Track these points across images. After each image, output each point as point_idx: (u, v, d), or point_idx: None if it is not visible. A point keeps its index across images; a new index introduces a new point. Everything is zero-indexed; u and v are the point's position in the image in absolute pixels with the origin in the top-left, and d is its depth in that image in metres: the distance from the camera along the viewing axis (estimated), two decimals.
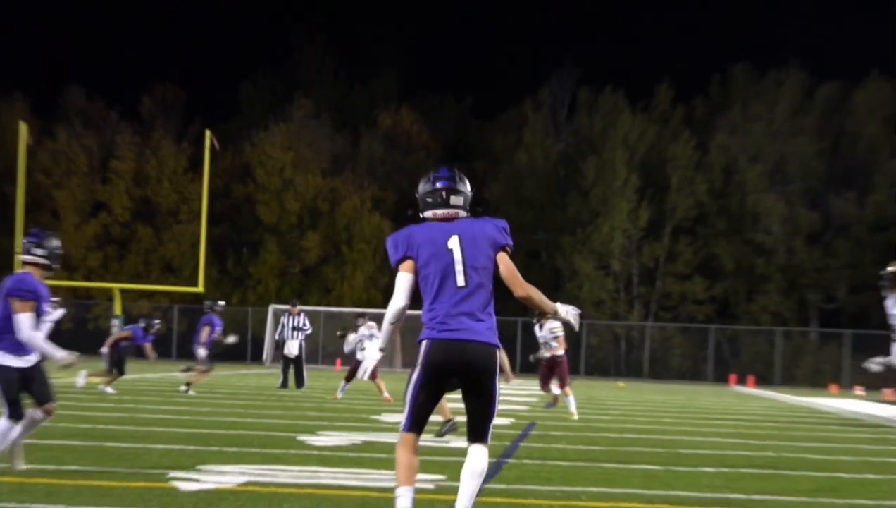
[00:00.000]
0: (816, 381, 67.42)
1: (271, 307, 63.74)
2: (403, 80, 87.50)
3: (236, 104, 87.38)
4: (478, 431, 9.46)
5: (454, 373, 9.34)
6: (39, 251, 13.59)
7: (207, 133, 65.02)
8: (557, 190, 79.01)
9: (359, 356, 34.60)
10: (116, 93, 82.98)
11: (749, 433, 25.73)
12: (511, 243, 9.77)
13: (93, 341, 36.07)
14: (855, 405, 44.18)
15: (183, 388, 32.57)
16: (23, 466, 13.12)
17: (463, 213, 9.76)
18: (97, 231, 76.23)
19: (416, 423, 9.41)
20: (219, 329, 32.96)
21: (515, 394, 38.36)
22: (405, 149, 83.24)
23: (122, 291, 68.21)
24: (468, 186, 9.86)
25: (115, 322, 62.28)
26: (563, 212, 77.76)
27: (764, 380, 67.33)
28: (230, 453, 16.48)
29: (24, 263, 13.53)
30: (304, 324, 37.74)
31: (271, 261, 77.05)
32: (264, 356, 64.33)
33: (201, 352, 32.81)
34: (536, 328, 29.62)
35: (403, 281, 9.55)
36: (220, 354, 69.72)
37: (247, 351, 68.87)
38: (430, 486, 13.31)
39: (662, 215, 78.44)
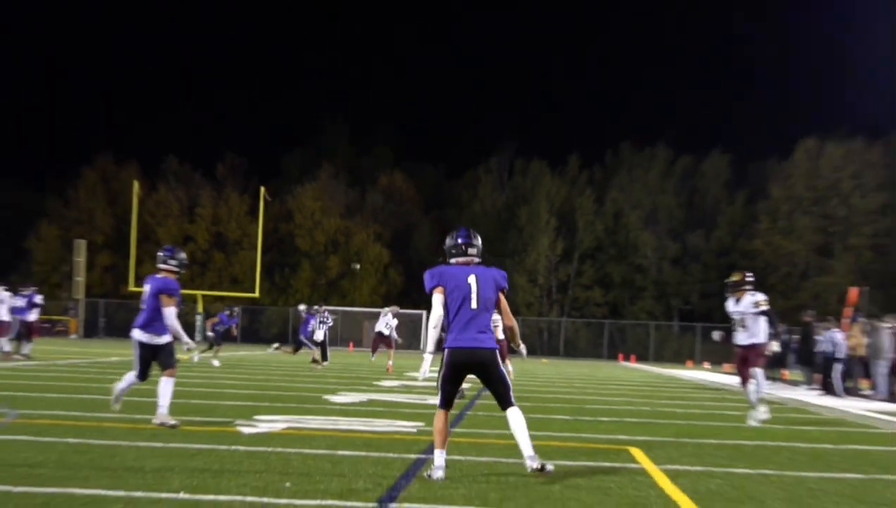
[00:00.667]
0: (678, 359, 67.35)
1: (302, 307, 63.75)
2: (396, 151, 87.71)
3: (280, 169, 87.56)
4: (504, 400, 9.63)
5: (470, 369, 9.67)
6: (173, 262, 13.64)
7: (262, 189, 65.17)
8: (502, 228, 78.98)
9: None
10: (200, 160, 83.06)
11: (632, 394, 25.64)
12: (507, 286, 10.06)
13: (186, 330, 36.58)
14: (704, 375, 44.14)
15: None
16: (171, 421, 12.92)
17: (477, 259, 9.95)
18: (186, 256, 75.99)
19: (447, 402, 9.67)
20: (312, 323, 33.87)
21: None
22: (398, 200, 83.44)
23: (204, 296, 68.20)
24: (480, 241, 10.08)
25: (199, 317, 62.13)
26: (506, 243, 77.72)
27: (642, 358, 67.33)
28: (277, 407, 16.38)
29: (161, 270, 13.54)
30: (328, 318, 37.63)
31: (305, 276, 77.06)
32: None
33: (302, 338, 33.88)
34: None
35: (439, 300, 9.65)
36: (268, 339, 69.85)
37: (287, 337, 68.80)
38: (414, 430, 13.20)
39: (572, 246, 78.61)
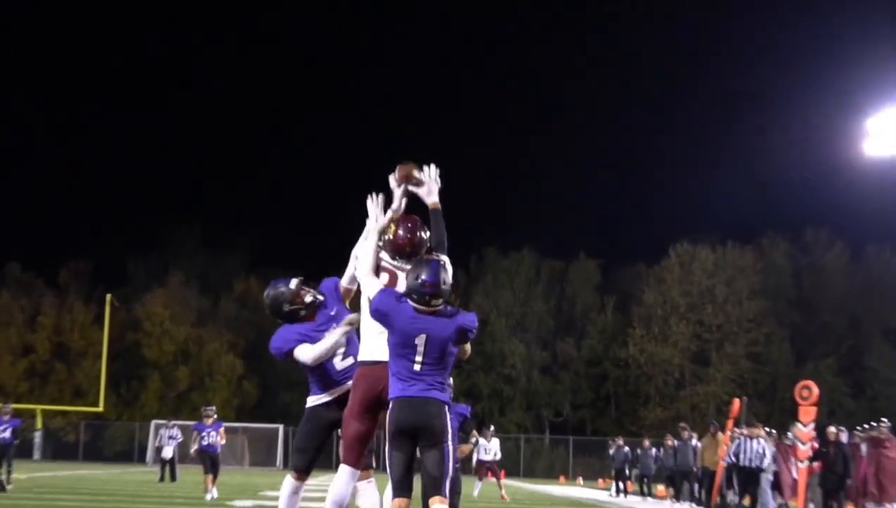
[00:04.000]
0: (550, 474, 67.24)
1: (153, 422, 62.35)
2: (252, 256, 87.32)
3: (127, 274, 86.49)
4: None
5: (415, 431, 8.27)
6: None
7: (108, 296, 64.24)
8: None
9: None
10: (42, 266, 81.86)
11: None
12: (474, 334, 8.70)
13: (21, 449, 35.04)
14: (577, 491, 44.05)
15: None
16: None
17: (440, 307, 8.32)
18: (26, 367, 75.14)
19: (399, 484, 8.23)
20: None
21: None
22: (253, 307, 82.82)
23: (44, 411, 66.87)
24: (450, 279, 8.43)
25: (37, 434, 60.77)
26: None
27: (511, 473, 67.03)
28: None
29: None
30: (177, 434, 36.93)
31: (153, 388, 75.98)
32: (148, 457, 62.85)
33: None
34: None
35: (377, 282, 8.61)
36: (112, 457, 68.45)
37: (133, 454, 67.56)
38: None
39: None
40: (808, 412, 26.10)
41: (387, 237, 8.90)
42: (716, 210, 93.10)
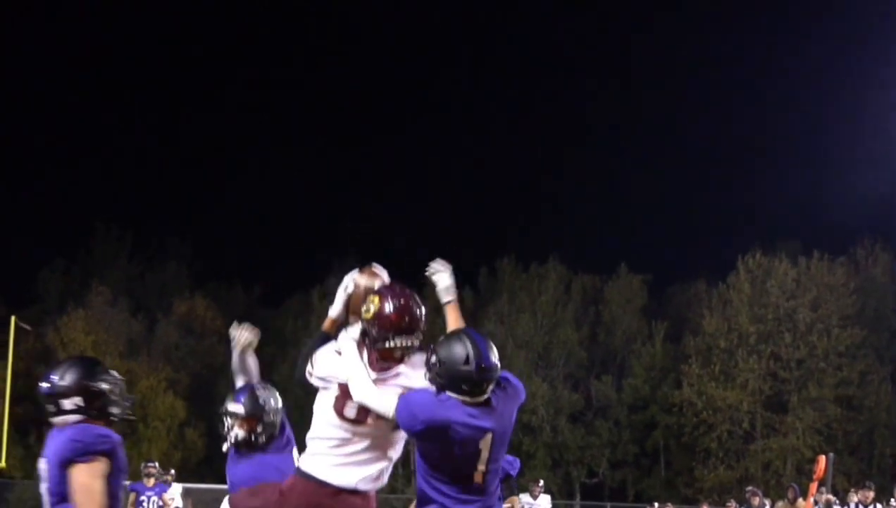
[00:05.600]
0: None
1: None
2: (193, 270, 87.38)
3: (37, 291, 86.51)
4: None
5: None
6: None
7: (13, 318, 64.16)
8: None
9: None
10: None
11: None
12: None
13: None
14: None
15: None
16: None
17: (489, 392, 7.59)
18: None
19: None
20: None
21: None
22: (199, 334, 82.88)
23: None
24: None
25: None
26: None
27: None
28: None
29: None
30: None
31: None
32: None
33: None
34: None
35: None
36: None
37: None
38: None
39: None
40: None
41: (368, 318, 8.42)
42: (799, 213, 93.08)
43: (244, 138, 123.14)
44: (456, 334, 7.87)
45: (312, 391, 8.35)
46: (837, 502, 30.27)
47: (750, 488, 36.40)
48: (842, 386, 72.74)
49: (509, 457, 10.62)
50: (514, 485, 9.50)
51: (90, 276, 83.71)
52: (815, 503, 29.83)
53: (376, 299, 8.40)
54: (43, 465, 8.14)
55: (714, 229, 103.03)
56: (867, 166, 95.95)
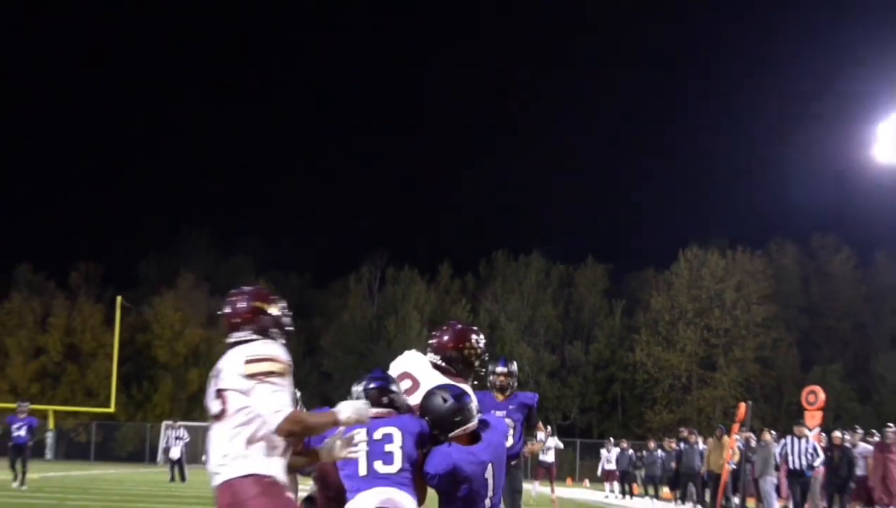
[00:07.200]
0: (557, 476, 67.08)
1: (164, 423, 62.43)
2: (259, 259, 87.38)
3: (137, 276, 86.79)
4: None
5: None
6: None
7: (119, 298, 64.39)
8: (371, 340, 78.49)
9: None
10: (53, 269, 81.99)
11: None
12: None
13: (33, 449, 35.04)
14: (583, 493, 44.21)
15: None
16: None
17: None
18: (38, 368, 75.10)
19: None
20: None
21: None
22: None
23: (56, 412, 67.11)
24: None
25: (49, 435, 60.97)
26: (374, 356, 77.28)
27: None
28: None
29: None
30: (184, 435, 37.05)
31: (165, 390, 75.93)
32: (158, 458, 62.91)
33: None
34: None
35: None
36: (123, 457, 68.62)
37: (145, 455, 67.71)
38: None
39: None
40: (813, 417, 26.21)
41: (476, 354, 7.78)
42: (726, 215, 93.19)
43: (293, 156, 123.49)
44: (427, 393, 6.99)
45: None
46: (754, 438, 30.28)
47: (682, 429, 36.41)
48: (758, 350, 73.02)
49: (529, 393, 10.34)
50: (536, 424, 8.99)
51: (178, 265, 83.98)
52: (737, 439, 29.86)
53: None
54: None
55: (661, 229, 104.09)
56: (777, 179, 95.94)
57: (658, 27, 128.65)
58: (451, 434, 6.75)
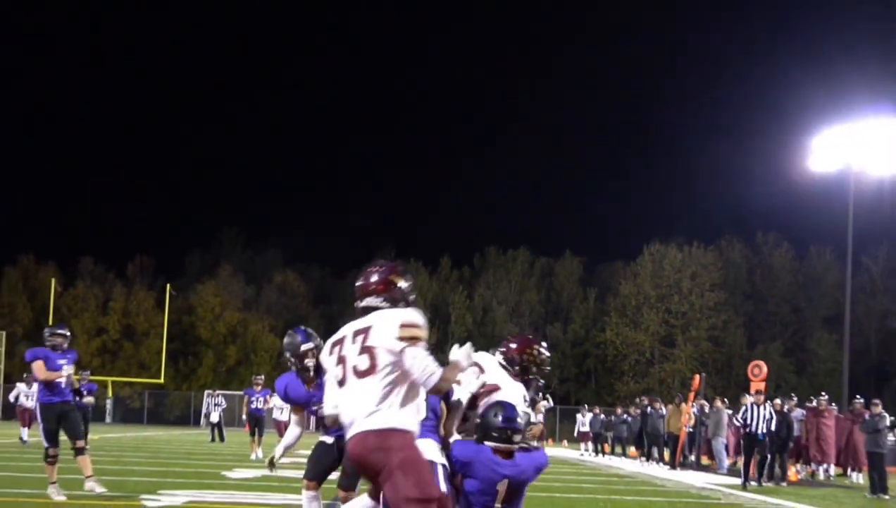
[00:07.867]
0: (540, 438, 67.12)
1: (206, 392, 62.51)
2: (286, 253, 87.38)
3: (184, 267, 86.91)
4: None
5: None
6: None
7: (168, 286, 64.51)
8: None
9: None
10: (112, 260, 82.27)
11: None
12: None
13: (94, 414, 35.17)
14: (562, 451, 44.12)
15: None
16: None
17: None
18: (99, 345, 75.25)
19: None
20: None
21: None
22: (290, 296, 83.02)
23: (114, 382, 67.34)
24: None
25: (108, 402, 61.11)
26: None
27: None
28: (178, 483, 15.88)
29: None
30: (222, 402, 37.03)
31: (207, 363, 76.06)
32: (201, 422, 62.92)
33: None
34: None
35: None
36: (171, 421, 68.68)
37: (190, 419, 67.78)
38: None
39: (446, 336, 78.33)
40: (757, 387, 26.27)
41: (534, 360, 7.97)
42: (683, 216, 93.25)
43: (321, 160, 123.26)
44: (494, 402, 7.08)
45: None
46: (707, 405, 30.41)
47: (642, 397, 36.56)
48: (711, 330, 72.88)
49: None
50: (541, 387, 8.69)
51: (218, 259, 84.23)
52: (693, 406, 29.97)
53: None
54: None
55: (628, 228, 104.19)
56: (727, 185, 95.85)
57: (626, 33, 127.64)
58: (486, 442, 6.90)
